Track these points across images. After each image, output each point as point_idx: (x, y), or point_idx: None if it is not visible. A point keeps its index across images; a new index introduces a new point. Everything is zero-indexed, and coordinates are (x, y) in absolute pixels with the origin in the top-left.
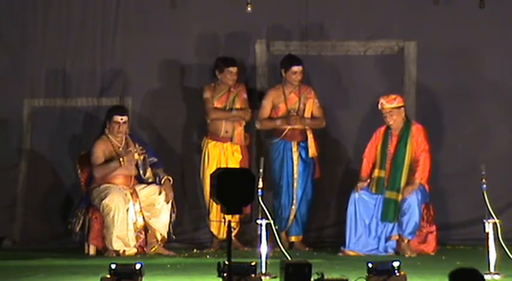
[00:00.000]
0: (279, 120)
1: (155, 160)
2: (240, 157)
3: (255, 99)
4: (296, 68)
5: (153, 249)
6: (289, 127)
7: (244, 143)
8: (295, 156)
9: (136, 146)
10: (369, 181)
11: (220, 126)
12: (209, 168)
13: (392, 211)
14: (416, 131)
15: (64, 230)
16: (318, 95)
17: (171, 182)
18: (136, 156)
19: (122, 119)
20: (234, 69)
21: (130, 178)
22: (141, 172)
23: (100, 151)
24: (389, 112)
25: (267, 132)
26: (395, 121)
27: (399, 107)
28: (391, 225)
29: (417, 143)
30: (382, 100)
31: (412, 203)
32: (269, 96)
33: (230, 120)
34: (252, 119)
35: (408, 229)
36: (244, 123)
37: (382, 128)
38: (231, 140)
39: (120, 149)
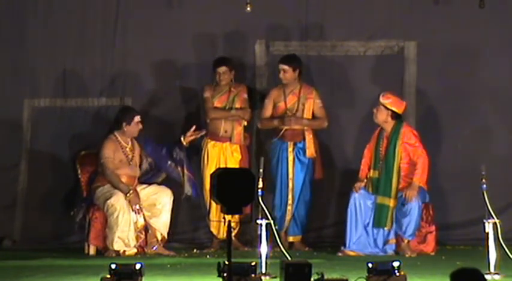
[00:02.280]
0: (276, 120)
1: (163, 153)
2: (240, 156)
3: (255, 99)
4: (280, 66)
5: (154, 249)
6: (286, 127)
7: (243, 143)
8: (290, 156)
9: (139, 206)
10: (365, 181)
11: (220, 125)
12: (208, 168)
13: (385, 217)
14: (406, 134)
15: (64, 230)
16: (320, 96)
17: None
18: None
19: (140, 118)
20: (221, 70)
21: (134, 178)
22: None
23: (111, 151)
24: (377, 105)
25: (267, 132)
26: (376, 117)
27: (386, 107)
28: (386, 230)
29: (411, 147)
30: (381, 93)
31: (413, 205)
32: (271, 96)
33: (229, 120)
34: (253, 119)
35: (409, 230)
36: (244, 123)
37: (378, 130)
38: (230, 139)
39: (127, 149)
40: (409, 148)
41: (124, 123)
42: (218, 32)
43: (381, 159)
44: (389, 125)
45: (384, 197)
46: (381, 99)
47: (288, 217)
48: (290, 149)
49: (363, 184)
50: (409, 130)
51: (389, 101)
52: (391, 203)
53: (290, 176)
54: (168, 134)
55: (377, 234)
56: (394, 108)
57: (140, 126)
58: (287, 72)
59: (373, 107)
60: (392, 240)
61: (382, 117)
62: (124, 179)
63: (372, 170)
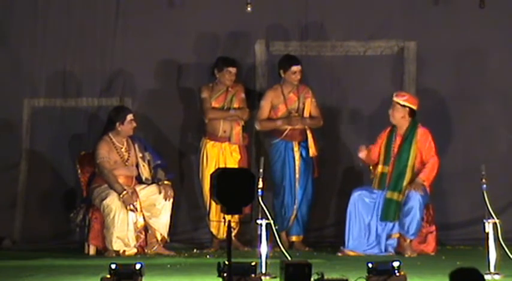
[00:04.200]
0: (279, 121)
1: (158, 162)
2: (239, 156)
3: (254, 99)
4: (295, 68)
5: (154, 248)
6: (290, 127)
7: (242, 143)
8: (296, 156)
9: (137, 203)
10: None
11: (218, 126)
12: (208, 168)
13: (393, 211)
14: (423, 135)
15: (64, 230)
16: (315, 94)
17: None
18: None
19: (133, 116)
20: (233, 70)
21: (132, 178)
22: (140, 172)
23: (105, 152)
24: (392, 106)
25: (265, 132)
26: (394, 117)
27: (403, 106)
28: (391, 223)
29: (425, 147)
30: (394, 93)
31: (415, 204)
32: (268, 97)
33: (228, 120)
34: (251, 119)
35: (411, 230)
36: (242, 123)
37: (388, 129)
38: (229, 140)
39: (122, 150)
40: (423, 148)
41: (118, 123)
42: (218, 32)
43: (393, 156)
44: (405, 122)
45: (394, 192)
46: (396, 99)
47: (293, 216)
48: (296, 148)
49: (364, 148)
50: (425, 131)
51: (405, 99)
52: (399, 198)
53: (297, 176)
54: (167, 135)
55: (381, 230)
56: (410, 105)
57: (134, 124)
58: (301, 73)
59: (372, 107)
60: (395, 234)
61: (400, 115)
62: (121, 180)
63: (381, 166)
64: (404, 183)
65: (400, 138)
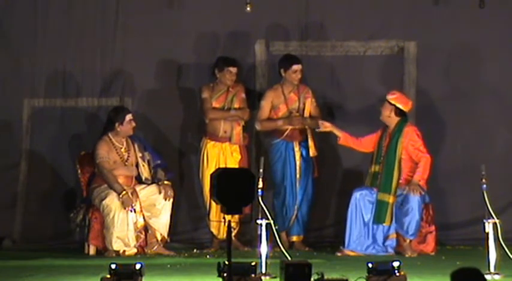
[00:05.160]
0: (280, 121)
1: (158, 162)
2: (239, 156)
3: (254, 99)
4: (296, 67)
5: (154, 248)
6: (290, 127)
7: (243, 143)
8: (297, 156)
9: (136, 203)
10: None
11: (219, 126)
12: (208, 168)
13: (384, 213)
14: (408, 132)
15: (64, 230)
16: (314, 94)
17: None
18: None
19: (132, 116)
20: (234, 70)
21: (131, 178)
22: (140, 172)
23: (104, 152)
24: (383, 103)
25: (266, 132)
26: (382, 114)
27: (390, 103)
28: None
29: (411, 147)
30: (388, 92)
31: (414, 205)
32: (268, 97)
33: (229, 120)
34: (251, 119)
35: (410, 230)
36: (243, 123)
37: (383, 127)
38: (230, 140)
39: (122, 150)
40: (411, 148)
41: (117, 124)
42: (218, 32)
43: (382, 155)
44: (393, 121)
45: (384, 194)
46: (387, 96)
47: (294, 216)
48: (296, 148)
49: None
50: (413, 130)
51: (394, 97)
52: (390, 199)
53: (297, 176)
54: (167, 135)
55: (376, 230)
56: (398, 105)
57: (133, 124)
58: (301, 72)
59: (372, 107)
60: (392, 235)
61: (386, 113)
62: (121, 180)
63: (373, 165)
64: (393, 183)
65: (388, 137)
